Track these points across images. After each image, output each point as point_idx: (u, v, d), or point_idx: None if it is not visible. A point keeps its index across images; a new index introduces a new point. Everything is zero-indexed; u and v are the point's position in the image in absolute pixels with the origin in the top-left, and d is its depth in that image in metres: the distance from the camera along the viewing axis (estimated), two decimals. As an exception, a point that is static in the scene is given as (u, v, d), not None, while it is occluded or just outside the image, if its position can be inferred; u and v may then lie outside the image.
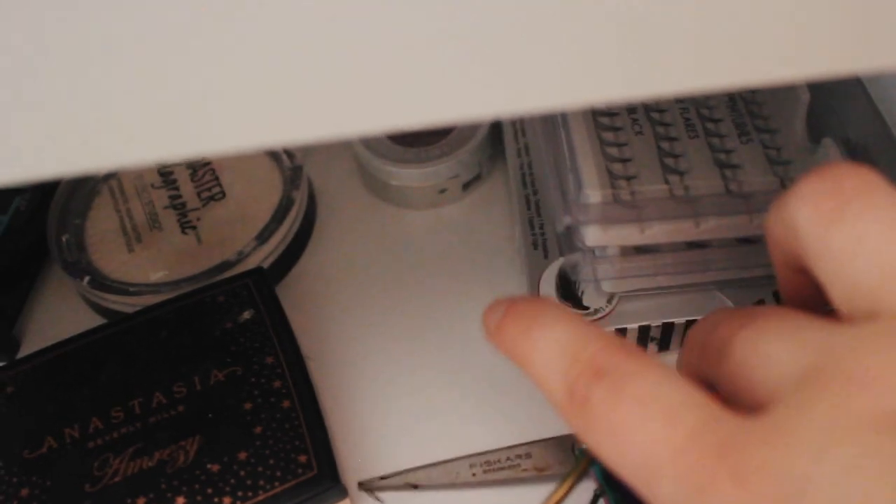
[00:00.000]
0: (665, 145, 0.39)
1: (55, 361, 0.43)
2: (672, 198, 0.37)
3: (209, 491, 0.37)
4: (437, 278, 0.47)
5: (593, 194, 0.37)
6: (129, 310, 0.45)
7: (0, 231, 0.48)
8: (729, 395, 0.24)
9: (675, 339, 0.41)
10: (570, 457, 0.38)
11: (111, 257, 0.47)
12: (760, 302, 0.40)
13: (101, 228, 0.48)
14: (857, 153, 0.39)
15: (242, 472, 0.37)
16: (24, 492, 0.38)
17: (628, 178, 0.38)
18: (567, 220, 0.37)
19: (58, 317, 0.48)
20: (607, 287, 0.40)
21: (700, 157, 0.39)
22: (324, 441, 0.38)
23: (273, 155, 0.49)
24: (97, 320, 0.47)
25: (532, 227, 0.45)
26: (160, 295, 0.45)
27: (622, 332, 0.40)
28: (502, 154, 0.50)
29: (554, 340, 0.24)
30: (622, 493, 0.36)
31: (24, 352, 0.47)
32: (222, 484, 0.37)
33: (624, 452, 0.22)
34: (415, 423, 0.42)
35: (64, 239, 0.48)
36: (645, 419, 0.21)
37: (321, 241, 0.49)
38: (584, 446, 0.26)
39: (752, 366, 0.23)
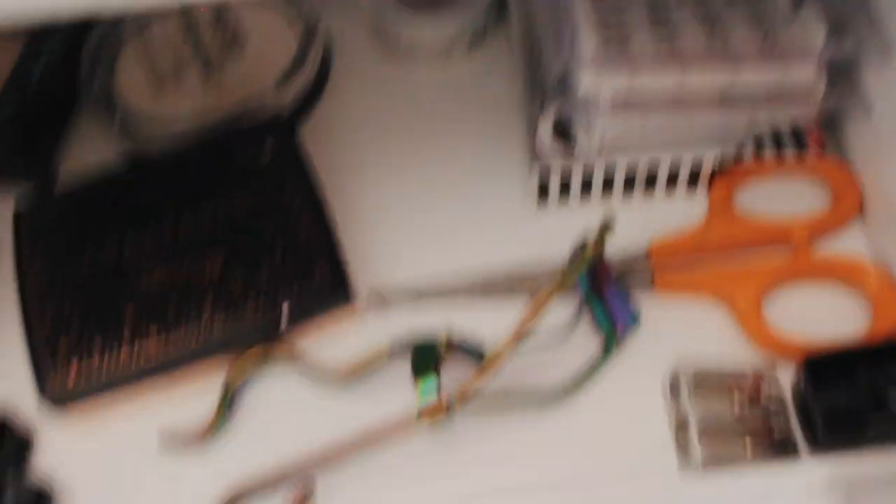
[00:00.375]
0: (658, 6, 0.42)
1: (91, 190, 0.47)
2: (660, 47, 0.41)
3: (234, 296, 0.42)
4: (442, 118, 0.51)
5: (588, 40, 0.40)
6: (157, 146, 0.49)
7: (36, 77, 0.52)
8: None
9: (659, 181, 0.45)
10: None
11: (141, 97, 0.51)
12: (739, 149, 0.44)
13: (131, 75, 0.52)
14: (836, 24, 0.42)
15: (263, 283, 0.42)
16: (68, 304, 0.43)
17: (621, 29, 0.41)
18: (562, 65, 0.41)
19: (91, 156, 0.52)
20: (599, 130, 0.44)
21: (689, 16, 0.42)
22: (337, 254, 0.43)
23: (290, 10, 0.53)
24: (127, 152, 0.51)
25: (531, 82, 0.48)
26: (186, 136, 0.49)
27: (611, 171, 0.44)
28: (506, 18, 0.53)
29: None
30: (604, 305, 0.41)
31: (61, 186, 0.51)
32: (246, 290, 0.42)
33: None
34: (419, 242, 0.46)
35: (96, 85, 0.51)
36: None
37: (335, 93, 0.53)
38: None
39: None
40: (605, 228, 0.39)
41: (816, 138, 0.45)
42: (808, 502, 0.36)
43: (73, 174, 0.50)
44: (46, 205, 0.48)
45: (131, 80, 0.52)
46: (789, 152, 0.45)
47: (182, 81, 0.51)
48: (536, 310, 0.37)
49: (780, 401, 0.38)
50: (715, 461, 0.36)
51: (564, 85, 0.44)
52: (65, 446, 0.43)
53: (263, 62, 0.51)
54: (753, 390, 0.38)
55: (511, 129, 0.49)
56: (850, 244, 0.43)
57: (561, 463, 0.39)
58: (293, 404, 0.42)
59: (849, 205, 0.43)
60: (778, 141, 0.45)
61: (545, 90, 0.47)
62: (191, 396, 0.43)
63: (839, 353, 0.38)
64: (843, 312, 0.41)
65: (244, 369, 0.42)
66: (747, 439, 0.37)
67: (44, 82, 0.51)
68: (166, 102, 0.51)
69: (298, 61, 0.51)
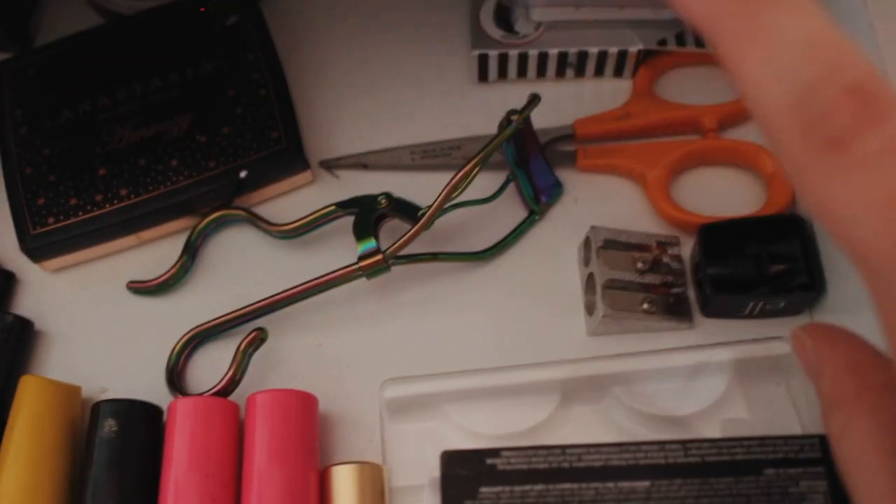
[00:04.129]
0: None
1: (67, 50, 0.50)
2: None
3: (198, 156, 0.46)
4: (394, 5, 0.54)
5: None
6: (129, 12, 0.52)
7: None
8: None
9: (588, 67, 0.49)
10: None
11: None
12: (662, 42, 0.48)
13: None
14: None
15: (225, 143, 0.46)
16: (46, 151, 0.47)
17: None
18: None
19: (65, 17, 0.55)
20: (536, 16, 0.48)
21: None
22: (293, 124, 0.47)
23: None
24: (99, 22, 0.54)
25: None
26: (156, 4, 0.52)
27: (545, 55, 0.48)
28: None
29: (795, 35, 0.18)
30: (529, 175, 0.45)
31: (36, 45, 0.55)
32: (208, 150, 0.46)
33: None
34: (369, 116, 0.50)
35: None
36: None
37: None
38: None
39: None
40: (531, 102, 0.43)
41: (733, 33, 0.49)
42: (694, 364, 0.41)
43: (47, 36, 0.54)
44: (25, 59, 0.50)
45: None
46: (707, 47, 0.49)
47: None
48: (465, 174, 0.41)
49: (680, 269, 0.43)
50: (615, 315, 0.41)
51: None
52: (43, 291, 0.47)
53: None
54: (657, 257, 0.43)
55: (457, 8, 0.52)
56: (756, 132, 0.47)
57: (482, 311, 0.44)
58: (249, 257, 0.47)
59: None
60: (698, 37, 0.49)
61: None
62: (157, 250, 0.47)
63: (732, 223, 0.43)
64: (743, 192, 0.46)
65: (206, 226, 0.46)
66: (645, 296, 0.42)
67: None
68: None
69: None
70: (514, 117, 0.42)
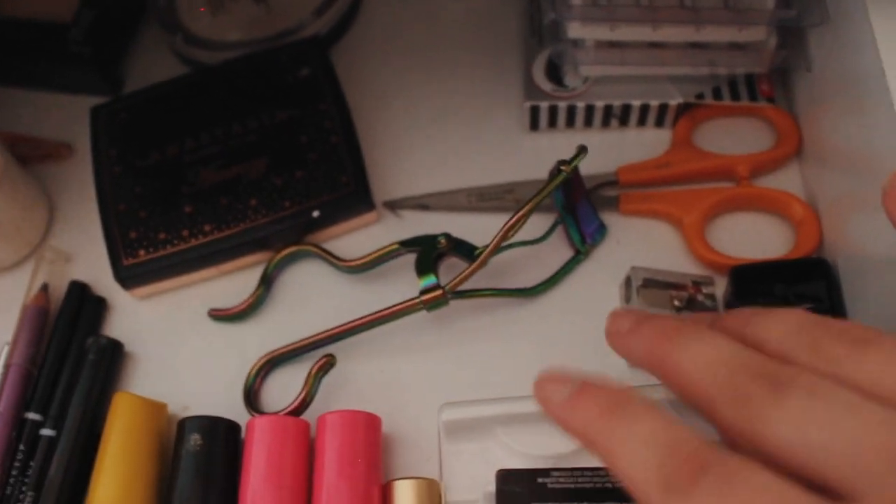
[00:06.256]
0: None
1: (156, 96, 0.56)
2: (637, 6, 0.48)
3: (274, 196, 0.51)
4: (456, 52, 0.58)
5: (576, -2, 0.48)
6: (211, 62, 0.58)
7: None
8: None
9: (631, 118, 0.53)
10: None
11: (199, 19, 0.59)
12: (700, 96, 0.52)
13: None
14: None
15: (299, 185, 0.51)
16: (138, 189, 0.52)
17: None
18: (553, 15, 0.49)
19: (152, 65, 0.61)
20: (584, 71, 0.52)
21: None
22: (360, 168, 0.51)
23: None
24: (183, 70, 0.59)
25: (531, 25, 0.56)
26: (236, 51, 0.57)
27: (591, 107, 0.52)
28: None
29: (645, 432, 0.27)
30: (575, 218, 0.49)
31: (127, 92, 0.60)
32: (284, 192, 0.51)
33: None
34: (429, 161, 0.54)
35: (161, 2, 0.59)
36: None
37: (367, 18, 0.61)
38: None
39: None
40: (579, 152, 0.46)
41: (766, 88, 0.52)
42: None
43: (136, 83, 0.59)
44: (117, 104, 0.56)
45: (191, 1, 0.60)
46: (743, 98, 0.53)
47: (235, 8, 0.59)
48: (518, 218, 0.45)
49: (713, 307, 0.47)
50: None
51: (556, 31, 0.52)
52: (132, 316, 0.52)
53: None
54: (692, 295, 0.47)
55: (512, 63, 0.57)
56: (787, 180, 0.51)
57: (531, 342, 0.47)
58: (319, 289, 0.51)
59: (789, 147, 0.51)
60: (734, 88, 0.53)
61: (541, 34, 0.55)
62: (236, 281, 0.52)
63: (762, 266, 0.46)
64: (773, 237, 0.49)
65: (280, 260, 0.51)
66: (681, 332, 0.45)
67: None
68: (220, 25, 0.59)
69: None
70: (564, 167, 0.46)
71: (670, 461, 0.25)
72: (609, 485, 0.40)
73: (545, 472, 0.41)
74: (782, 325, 0.28)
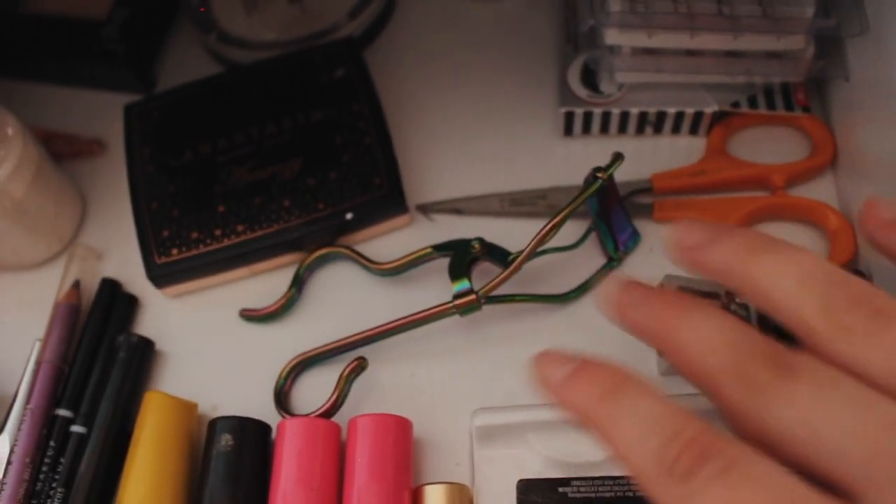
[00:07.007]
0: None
1: (189, 95, 0.56)
2: (675, 14, 0.48)
3: (307, 197, 0.51)
4: (489, 56, 0.58)
5: (615, 4, 0.48)
6: (245, 62, 0.58)
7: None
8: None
9: (666, 125, 0.53)
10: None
11: (233, 18, 0.59)
12: (735, 104, 0.52)
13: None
14: (825, 3, 0.49)
15: (333, 187, 0.51)
16: (171, 188, 0.52)
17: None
18: (591, 21, 0.49)
19: (184, 64, 0.61)
20: (619, 78, 0.52)
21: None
22: (394, 170, 0.51)
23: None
24: (215, 69, 0.60)
25: (567, 31, 0.56)
26: (270, 51, 0.57)
27: (626, 114, 0.52)
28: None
29: (646, 413, 0.26)
30: (609, 225, 0.49)
31: (159, 90, 0.60)
32: (317, 193, 0.51)
33: None
34: (462, 165, 0.54)
35: (194, 1, 0.60)
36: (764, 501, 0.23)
37: (400, 20, 0.61)
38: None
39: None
40: (615, 160, 0.46)
41: (802, 97, 0.52)
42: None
43: (170, 81, 0.59)
44: (151, 103, 0.56)
45: (227, 2, 0.60)
46: (779, 108, 0.52)
47: (270, 8, 0.59)
48: (553, 225, 0.45)
49: (746, 316, 0.46)
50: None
51: (593, 37, 0.51)
52: (164, 314, 0.52)
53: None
54: (725, 305, 0.46)
55: (545, 68, 0.57)
56: (822, 190, 0.50)
57: (562, 348, 0.48)
58: (351, 291, 0.51)
59: (824, 156, 0.50)
60: (769, 97, 0.52)
61: (577, 40, 0.55)
62: (268, 281, 0.52)
63: (797, 278, 0.46)
64: (807, 246, 0.49)
65: (312, 261, 0.51)
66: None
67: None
68: (255, 25, 0.59)
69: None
70: (600, 174, 0.46)
71: (672, 445, 0.25)
72: (630, 493, 0.40)
73: (565, 482, 0.41)
74: (794, 268, 0.27)
